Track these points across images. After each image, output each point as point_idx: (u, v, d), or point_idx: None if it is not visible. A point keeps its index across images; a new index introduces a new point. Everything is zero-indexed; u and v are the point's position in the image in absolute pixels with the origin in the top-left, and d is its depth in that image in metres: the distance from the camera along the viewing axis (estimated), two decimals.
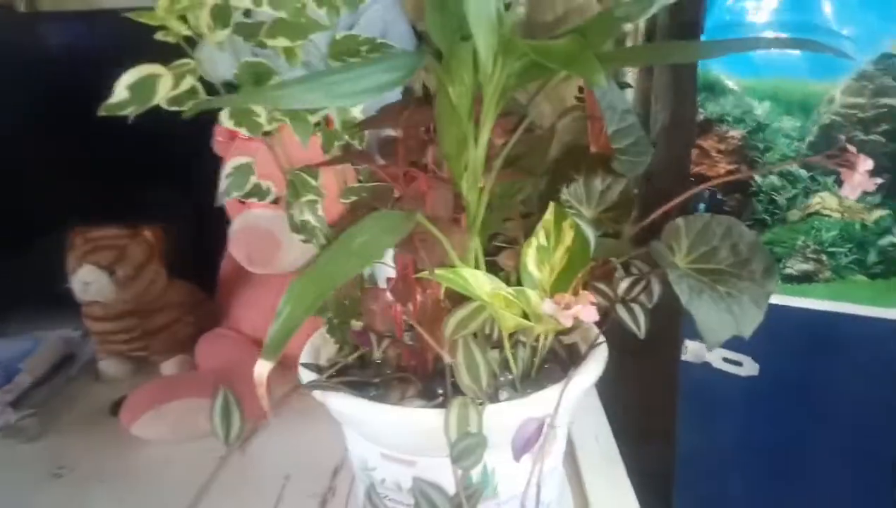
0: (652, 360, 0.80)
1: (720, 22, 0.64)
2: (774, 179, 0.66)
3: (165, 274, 0.88)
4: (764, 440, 0.73)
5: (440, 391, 0.50)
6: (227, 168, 0.47)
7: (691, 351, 0.77)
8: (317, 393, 0.48)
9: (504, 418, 0.44)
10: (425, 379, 0.51)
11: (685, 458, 0.78)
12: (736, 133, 0.67)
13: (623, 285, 0.49)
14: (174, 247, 0.92)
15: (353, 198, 0.49)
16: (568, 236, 0.49)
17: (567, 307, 0.44)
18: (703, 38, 0.64)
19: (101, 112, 0.38)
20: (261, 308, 0.89)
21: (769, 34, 0.61)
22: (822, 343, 0.69)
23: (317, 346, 0.56)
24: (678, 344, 0.76)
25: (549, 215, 0.49)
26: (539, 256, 0.48)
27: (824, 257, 0.66)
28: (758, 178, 0.67)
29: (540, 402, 0.45)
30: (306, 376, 0.50)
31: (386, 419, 0.45)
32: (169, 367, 0.88)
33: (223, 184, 0.47)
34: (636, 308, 0.47)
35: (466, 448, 0.40)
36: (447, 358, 0.44)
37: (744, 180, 0.67)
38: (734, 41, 0.53)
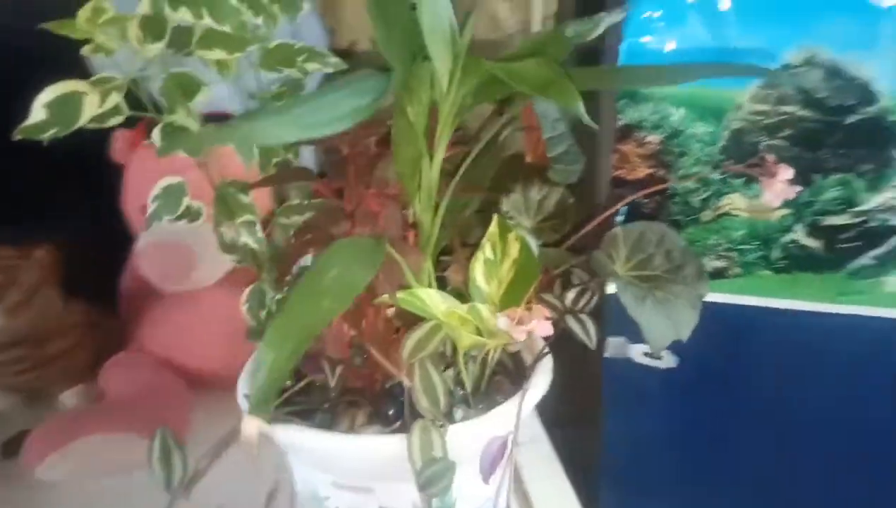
0: (576, 358, 0.82)
1: (633, 47, 0.66)
2: (689, 182, 0.69)
3: (61, 297, 0.80)
4: (684, 428, 0.78)
5: (390, 412, 0.49)
6: (156, 189, 0.44)
7: (613, 347, 0.80)
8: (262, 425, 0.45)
9: (463, 438, 0.43)
10: (373, 400, 0.49)
11: (611, 450, 0.81)
12: (653, 138, 0.69)
13: (570, 296, 0.50)
14: (67, 265, 0.84)
15: (295, 218, 0.47)
16: (514, 248, 0.49)
17: (520, 322, 0.44)
18: (622, 61, 0.66)
19: (17, 135, 0.34)
20: (172, 326, 0.84)
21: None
22: (733, 334, 0.73)
23: (249, 372, 0.53)
24: (601, 342, 0.79)
25: (493, 228, 0.48)
26: (487, 270, 0.48)
27: (734, 254, 0.71)
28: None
29: (497, 418, 0.45)
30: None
31: (344, 449, 0.43)
32: (69, 398, 0.81)
33: (151, 207, 0.43)
34: (585, 318, 0.48)
35: (434, 475, 0.40)
36: (406, 382, 0.43)
37: (662, 182, 0.71)
38: (696, 67, 0.54)
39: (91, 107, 0.35)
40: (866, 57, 0.63)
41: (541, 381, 0.49)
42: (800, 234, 0.68)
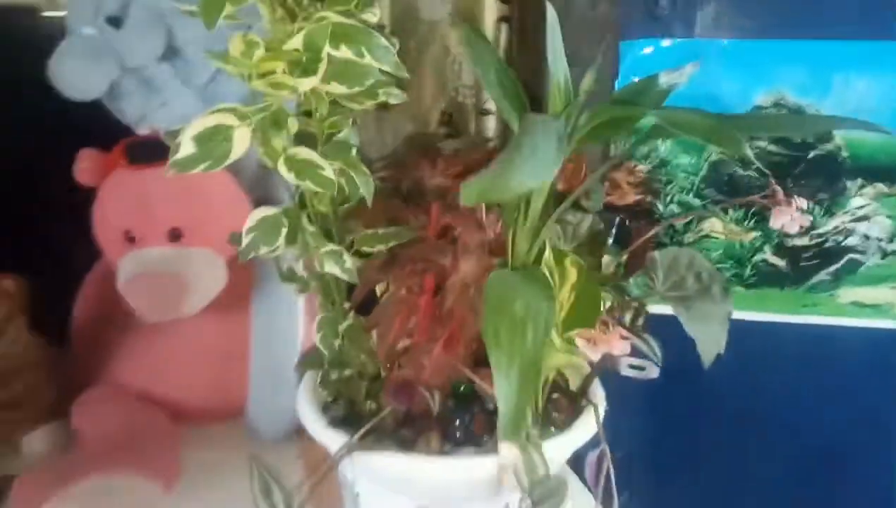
0: None
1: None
2: (674, 207, 0.76)
3: (27, 331, 0.73)
4: (664, 436, 0.84)
5: (458, 434, 0.50)
6: (250, 221, 0.43)
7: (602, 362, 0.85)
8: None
9: (554, 453, 0.46)
10: (440, 423, 0.50)
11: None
12: (643, 167, 0.76)
13: (627, 316, 0.54)
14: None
15: (379, 247, 0.47)
16: (571, 274, 0.52)
17: (594, 342, 0.47)
18: None
19: (168, 171, 0.32)
20: (153, 358, 0.79)
21: None
22: None
23: (310, 402, 0.52)
24: None
25: (548, 255, 0.52)
26: None
27: None
28: (660, 206, 0.77)
29: (578, 433, 0.48)
30: (336, 439, 0.46)
31: (439, 471, 0.44)
32: (35, 441, 0.74)
33: (246, 239, 0.42)
34: (648, 337, 0.52)
35: (547, 492, 0.42)
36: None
37: (649, 207, 0.77)
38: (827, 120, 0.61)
39: (242, 143, 0.34)
40: (822, 102, 0.73)
41: (600, 395, 0.52)
42: (768, 254, 0.77)
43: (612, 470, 0.46)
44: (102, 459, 0.66)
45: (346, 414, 0.52)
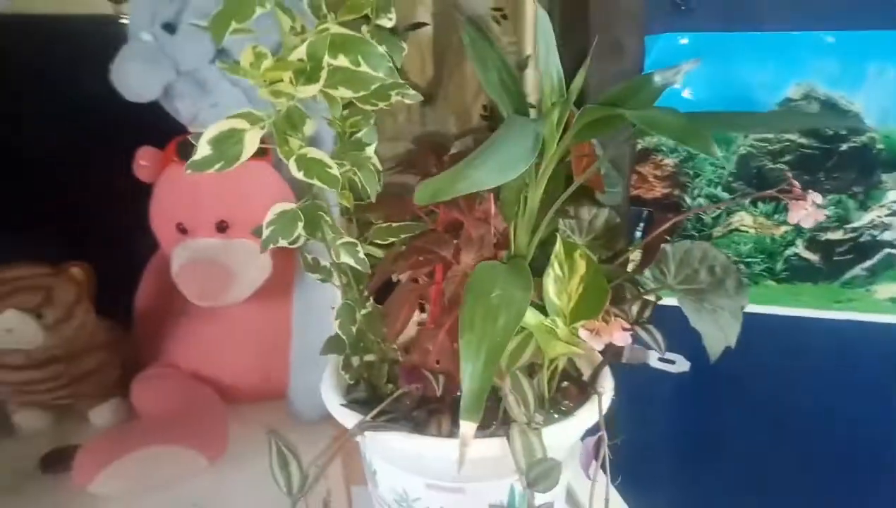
0: None
1: None
2: (702, 200, 0.77)
3: (94, 314, 0.80)
4: (693, 428, 0.84)
5: None
6: (270, 215, 0.46)
7: (629, 352, 0.86)
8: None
9: (556, 439, 0.48)
10: (451, 408, 0.53)
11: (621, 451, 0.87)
12: (670, 161, 0.76)
13: (635, 308, 0.55)
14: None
15: (391, 240, 0.50)
16: (580, 266, 0.54)
17: (598, 333, 0.49)
18: None
19: (187, 170, 0.37)
20: (204, 341, 0.85)
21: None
22: (740, 339, 0.80)
23: (333, 385, 0.56)
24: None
25: (559, 248, 0.53)
26: (557, 286, 0.53)
27: (741, 266, 0.78)
28: (688, 199, 0.77)
29: (582, 419, 0.50)
30: (350, 418, 0.50)
31: (447, 452, 0.47)
32: (100, 414, 0.81)
33: (266, 232, 0.46)
34: (652, 329, 0.54)
35: (541, 473, 0.44)
36: (506, 389, 0.48)
37: (676, 201, 0.77)
38: (802, 115, 0.61)
39: (252, 144, 0.38)
40: (853, 94, 0.71)
41: (608, 385, 0.54)
42: (800, 248, 0.76)
43: (608, 456, 0.47)
44: (158, 431, 0.72)
45: (367, 397, 0.56)
